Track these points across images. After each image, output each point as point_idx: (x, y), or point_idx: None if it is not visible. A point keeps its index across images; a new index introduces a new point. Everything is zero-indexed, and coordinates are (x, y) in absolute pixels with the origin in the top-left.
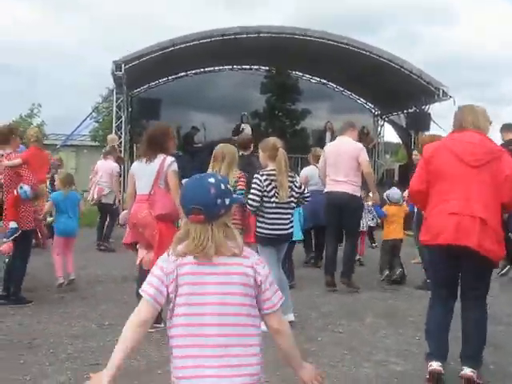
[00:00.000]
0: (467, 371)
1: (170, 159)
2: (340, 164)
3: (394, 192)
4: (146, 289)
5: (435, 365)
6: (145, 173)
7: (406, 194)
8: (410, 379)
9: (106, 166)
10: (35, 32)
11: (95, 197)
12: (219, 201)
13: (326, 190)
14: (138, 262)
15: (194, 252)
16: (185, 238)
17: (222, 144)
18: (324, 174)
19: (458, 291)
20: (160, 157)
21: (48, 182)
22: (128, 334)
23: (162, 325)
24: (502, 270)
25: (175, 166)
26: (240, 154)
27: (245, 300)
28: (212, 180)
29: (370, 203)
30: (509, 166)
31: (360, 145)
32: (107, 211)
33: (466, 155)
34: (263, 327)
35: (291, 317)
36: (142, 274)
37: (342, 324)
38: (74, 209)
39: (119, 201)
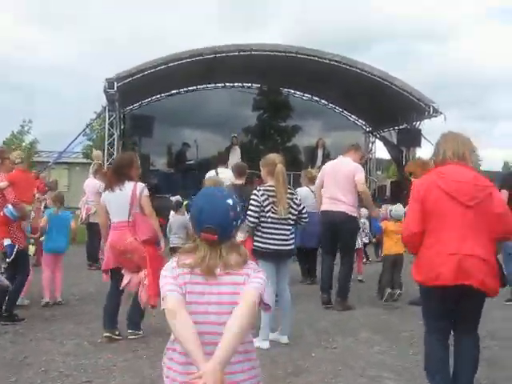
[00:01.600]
0: None
1: (140, 185)
2: (337, 183)
3: (399, 209)
4: (166, 286)
5: None
6: (117, 201)
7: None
8: None
9: (91, 185)
10: (30, 48)
11: (84, 216)
12: (234, 223)
13: (322, 209)
14: (124, 284)
15: (202, 270)
16: (191, 252)
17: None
18: (319, 192)
19: None
20: (129, 184)
21: (43, 204)
22: (186, 326)
23: (141, 333)
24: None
25: (147, 191)
26: (234, 183)
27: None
28: (230, 202)
29: (362, 220)
30: (499, 203)
31: (358, 165)
32: (95, 230)
33: (460, 195)
34: (256, 343)
35: (285, 339)
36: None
37: (336, 340)
38: (63, 227)
39: None
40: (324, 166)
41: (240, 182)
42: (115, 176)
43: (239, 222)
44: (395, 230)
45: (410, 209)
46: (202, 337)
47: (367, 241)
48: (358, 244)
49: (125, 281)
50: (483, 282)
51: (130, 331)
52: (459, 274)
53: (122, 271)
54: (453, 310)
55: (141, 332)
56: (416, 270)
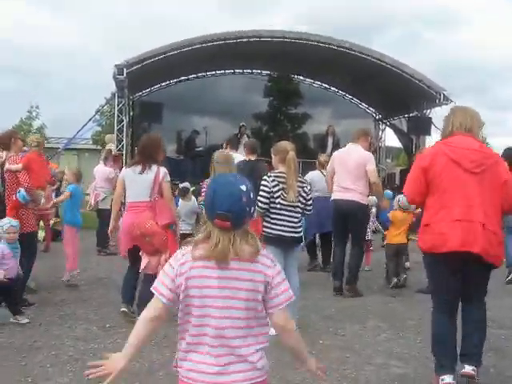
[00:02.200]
0: (469, 369)
1: (163, 170)
2: (348, 171)
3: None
4: (159, 287)
5: (448, 379)
6: (139, 181)
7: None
8: (410, 382)
9: (101, 171)
10: (39, 33)
11: (93, 203)
12: (247, 209)
13: (333, 198)
14: (142, 267)
15: (215, 258)
16: (204, 240)
17: (220, 150)
18: (331, 180)
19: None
20: (153, 167)
21: (54, 194)
22: (140, 329)
23: None
24: (508, 276)
25: (168, 177)
26: (247, 159)
27: (250, 304)
28: (244, 188)
29: (373, 210)
30: (506, 170)
31: (369, 154)
32: (105, 216)
33: (466, 162)
34: (272, 330)
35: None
36: (147, 277)
37: (344, 327)
38: (80, 203)
39: None
40: (334, 154)
41: (254, 158)
42: (143, 156)
43: (252, 208)
44: (403, 219)
45: (412, 176)
46: (212, 320)
47: (374, 229)
48: (368, 236)
49: (143, 263)
50: (486, 250)
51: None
52: (463, 240)
53: (140, 253)
54: (458, 280)
55: (135, 316)
56: (422, 238)
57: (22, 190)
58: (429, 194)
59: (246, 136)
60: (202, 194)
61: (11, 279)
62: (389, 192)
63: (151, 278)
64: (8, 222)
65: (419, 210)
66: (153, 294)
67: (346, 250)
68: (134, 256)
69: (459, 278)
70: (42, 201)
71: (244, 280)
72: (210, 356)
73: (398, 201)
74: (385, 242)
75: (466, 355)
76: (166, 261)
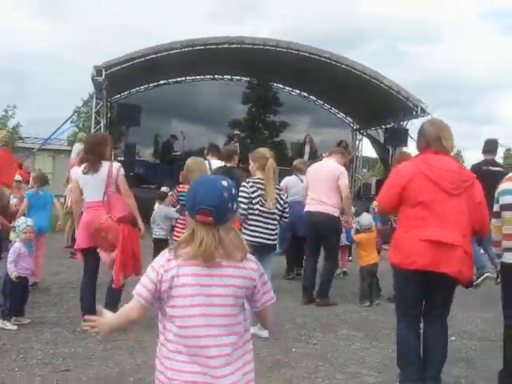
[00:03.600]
0: None
1: (116, 164)
2: (320, 184)
3: (364, 218)
4: (139, 290)
5: None
6: (93, 181)
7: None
8: None
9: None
10: (17, 35)
11: (69, 204)
12: (229, 205)
13: (306, 209)
14: (104, 264)
15: (201, 255)
16: (189, 240)
17: (192, 157)
18: (306, 193)
19: None
20: (105, 164)
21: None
22: (122, 317)
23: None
24: (477, 280)
25: (123, 171)
26: (222, 165)
27: (234, 301)
28: (225, 183)
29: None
30: (480, 192)
31: (342, 168)
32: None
33: (446, 183)
34: (253, 330)
35: (265, 334)
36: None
37: (317, 336)
38: (44, 207)
39: None
40: (309, 168)
41: (230, 164)
42: (91, 156)
43: (234, 204)
44: (368, 239)
45: (388, 191)
46: (205, 328)
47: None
48: (343, 242)
49: (103, 260)
50: (460, 272)
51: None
52: (436, 261)
53: (97, 250)
54: (424, 295)
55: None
56: (393, 253)
57: None
58: (403, 208)
59: (237, 145)
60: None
61: (25, 278)
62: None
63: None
64: (24, 221)
65: (379, 226)
66: (120, 295)
67: (317, 264)
68: (88, 258)
69: (424, 295)
70: (15, 200)
71: (230, 286)
72: (192, 364)
73: (359, 222)
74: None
75: (429, 378)
76: (118, 256)
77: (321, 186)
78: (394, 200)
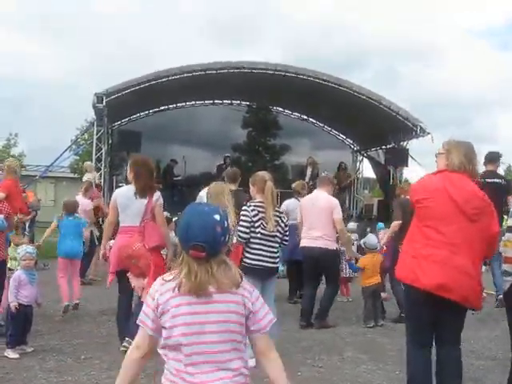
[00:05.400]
0: None
1: (157, 193)
2: (315, 218)
3: (370, 238)
4: (145, 320)
5: None
6: (132, 205)
7: (383, 241)
8: None
9: (80, 203)
10: (17, 61)
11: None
12: (222, 239)
13: (301, 245)
14: (134, 288)
15: (194, 289)
16: (182, 272)
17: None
18: (301, 226)
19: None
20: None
21: (28, 224)
22: (127, 370)
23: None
24: (496, 301)
25: (161, 200)
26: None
27: (231, 336)
28: (217, 217)
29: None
30: (497, 223)
31: (335, 201)
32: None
33: (468, 207)
34: (251, 362)
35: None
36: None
37: (322, 359)
38: (77, 233)
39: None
40: (301, 201)
41: (234, 188)
42: (147, 184)
43: (227, 237)
44: (373, 262)
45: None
46: (197, 356)
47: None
48: (346, 273)
49: (133, 285)
50: (466, 298)
51: (126, 339)
52: (441, 285)
53: (128, 275)
54: (434, 317)
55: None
56: (402, 267)
57: (1, 217)
58: (416, 221)
59: (229, 167)
60: None
61: (29, 306)
62: (381, 224)
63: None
64: (24, 249)
65: (384, 248)
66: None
67: (316, 293)
68: (121, 281)
69: (434, 318)
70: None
71: (225, 312)
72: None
73: (365, 243)
74: (360, 285)
75: None
76: (148, 284)
77: (315, 219)
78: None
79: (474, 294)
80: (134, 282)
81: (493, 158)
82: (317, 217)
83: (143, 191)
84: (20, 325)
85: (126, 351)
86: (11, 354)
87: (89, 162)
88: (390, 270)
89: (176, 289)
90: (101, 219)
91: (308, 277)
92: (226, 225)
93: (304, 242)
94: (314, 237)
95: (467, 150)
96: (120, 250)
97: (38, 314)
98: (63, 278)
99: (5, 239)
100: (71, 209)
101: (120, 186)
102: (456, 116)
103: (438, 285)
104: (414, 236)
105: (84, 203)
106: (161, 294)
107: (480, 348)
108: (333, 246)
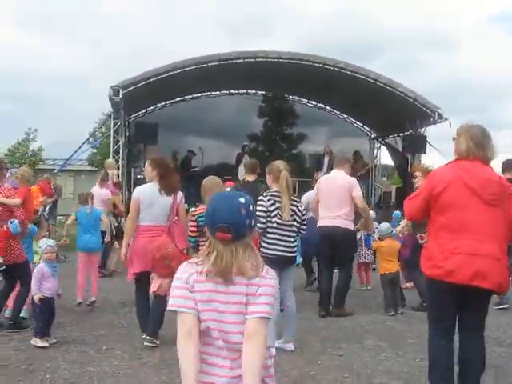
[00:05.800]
0: None
1: (180, 194)
2: (333, 197)
3: (382, 226)
4: (176, 302)
5: None
6: (157, 203)
7: (399, 228)
8: None
9: (97, 194)
10: (36, 57)
11: None
12: (247, 221)
13: (318, 224)
14: (153, 289)
15: (220, 273)
16: (207, 255)
17: (209, 177)
18: (317, 205)
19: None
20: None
21: (48, 207)
22: (190, 357)
23: (158, 342)
24: None
25: (183, 200)
26: (245, 180)
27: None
28: (243, 200)
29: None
30: None
31: (354, 179)
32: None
33: (485, 193)
34: (277, 344)
35: (290, 347)
36: (159, 299)
37: (342, 347)
38: (94, 225)
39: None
40: (319, 181)
41: (252, 178)
42: (166, 179)
43: (253, 221)
44: (387, 247)
45: (418, 197)
46: (222, 341)
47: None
48: (366, 257)
49: (154, 286)
50: (500, 285)
51: (147, 338)
52: (476, 275)
53: (151, 275)
54: (458, 305)
55: (158, 342)
56: (427, 264)
57: (16, 222)
58: (435, 216)
59: (247, 156)
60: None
61: (51, 298)
62: (397, 212)
63: (163, 299)
64: (45, 242)
65: (400, 234)
66: (164, 315)
67: (332, 277)
68: (141, 280)
69: (458, 306)
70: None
71: (246, 294)
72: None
73: (379, 231)
74: (378, 273)
75: None
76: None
77: (334, 199)
78: (423, 209)
79: (505, 280)
80: (160, 281)
81: (509, 165)
82: (335, 196)
83: (171, 189)
84: (46, 316)
85: (149, 346)
86: (39, 342)
87: (110, 160)
88: (410, 260)
89: (203, 274)
90: (117, 218)
91: (324, 257)
92: (251, 208)
93: (321, 222)
94: (332, 216)
95: (475, 134)
96: (148, 250)
97: (59, 306)
98: (82, 273)
99: (19, 242)
100: (83, 200)
101: (139, 178)
102: (474, 103)
103: (471, 277)
104: (437, 231)
105: (102, 193)
106: (190, 275)
107: (501, 335)
108: (350, 226)
